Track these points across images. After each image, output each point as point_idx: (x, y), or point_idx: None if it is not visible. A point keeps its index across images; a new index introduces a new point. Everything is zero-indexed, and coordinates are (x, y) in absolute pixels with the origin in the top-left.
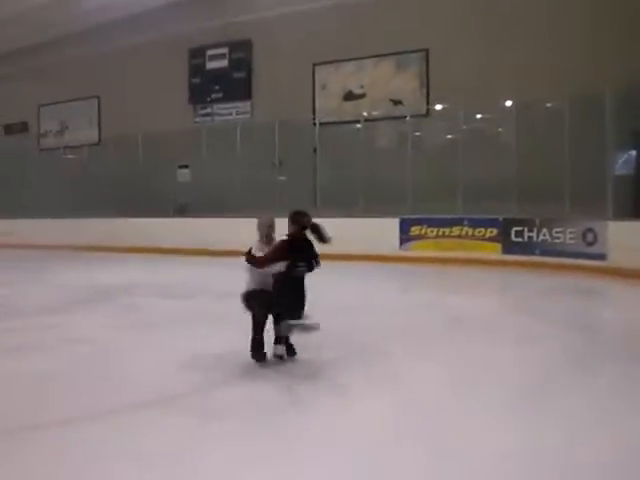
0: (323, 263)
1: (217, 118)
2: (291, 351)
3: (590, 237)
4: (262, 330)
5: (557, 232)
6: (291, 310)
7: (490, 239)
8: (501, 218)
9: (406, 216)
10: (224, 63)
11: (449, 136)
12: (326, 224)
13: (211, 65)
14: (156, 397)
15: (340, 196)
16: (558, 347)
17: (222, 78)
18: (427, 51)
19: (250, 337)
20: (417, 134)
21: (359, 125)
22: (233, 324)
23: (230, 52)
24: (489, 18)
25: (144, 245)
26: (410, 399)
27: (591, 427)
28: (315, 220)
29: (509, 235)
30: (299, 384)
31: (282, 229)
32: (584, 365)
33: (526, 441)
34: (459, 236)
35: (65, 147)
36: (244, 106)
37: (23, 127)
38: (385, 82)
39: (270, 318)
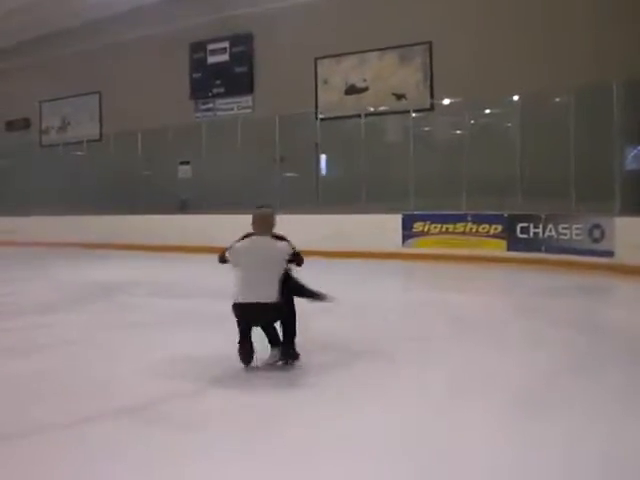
0: (324, 261)
1: (219, 113)
2: (292, 355)
3: (597, 233)
4: (245, 337)
5: (563, 228)
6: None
7: (495, 236)
8: (506, 214)
9: (409, 212)
10: (225, 57)
11: (453, 131)
12: (328, 221)
13: (212, 59)
14: (137, 403)
15: (342, 192)
16: (561, 349)
17: (223, 73)
18: (430, 44)
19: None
20: (420, 128)
21: (364, 120)
22: (228, 326)
23: (231, 46)
24: (493, 10)
25: (146, 242)
26: (406, 407)
27: (594, 439)
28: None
29: (514, 231)
30: (291, 390)
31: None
32: (588, 369)
33: (524, 454)
34: (463, 232)
35: (65, 143)
36: (246, 101)
37: (25, 123)
38: (388, 76)
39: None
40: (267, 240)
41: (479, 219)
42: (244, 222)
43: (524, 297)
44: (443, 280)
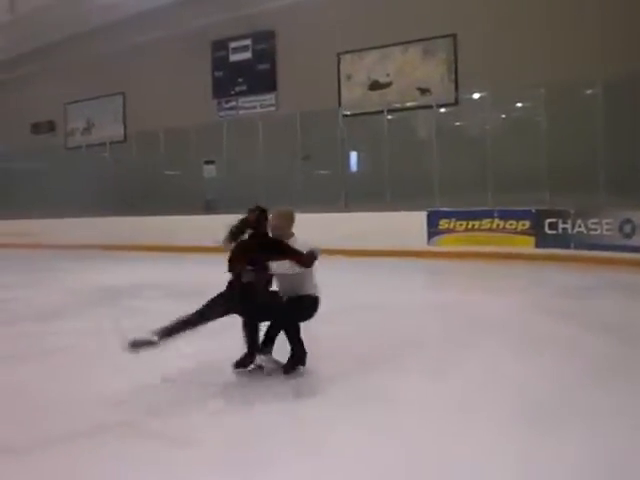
0: (348, 259)
1: (242, 112)
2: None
3: (628, 228)
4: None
5: (593, 224)
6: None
7: (522, 232)
8: (534, 209)
9: (434, 209)
10: (247, 55)
11: (478, 125)
12: (351, 219)
13: (234, 57)
14: (124, 418)
15: (366, 189)
16: (584, 356)
17: (246, 70)
18: (455, 37)
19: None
20: (445, 123)
21: (390, 116)
22: (235, 332)
23: (253, 43)
24: (519, 0)
25: (170, 243)
26: (409, 422)
27: (606, 462)
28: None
29: (542, 227)
30: (284, 403)
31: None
32: (611, 379)
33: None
34: (490, 229)
35: (89, 145)
36: (269, 98)
37: (50, 126)
38: (411, 70)
39: None
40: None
41: (506, 215)
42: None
43: (550, 297)
44: (467, 279)
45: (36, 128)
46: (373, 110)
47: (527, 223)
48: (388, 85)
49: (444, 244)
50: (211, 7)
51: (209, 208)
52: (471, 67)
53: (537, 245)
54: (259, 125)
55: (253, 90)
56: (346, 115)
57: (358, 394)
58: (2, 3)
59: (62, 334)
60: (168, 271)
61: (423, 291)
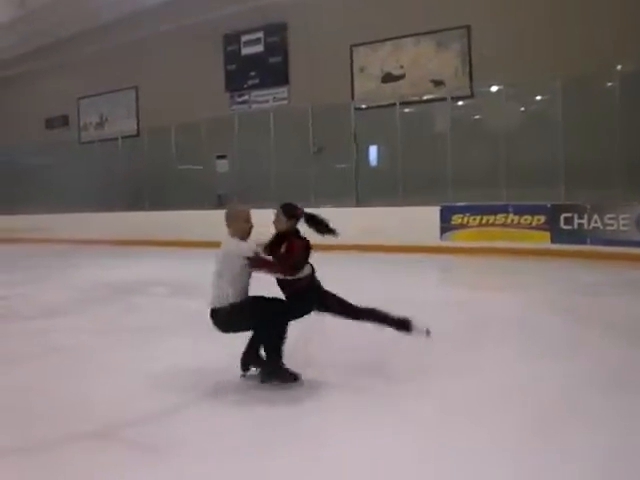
0: (359, 255)
1: (254, 105)
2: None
3: None
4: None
5: (610, 219)
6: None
7: (537, 227)
8: (549, 204)
9: (447, 204)
10: (259, 48)
11: (493, 118)
12: (364, 214)
13: (246, 51)
14: (113, 422)
15: (379, 184)
16: (594, 359)
17: (258, 64)
18: (469, 28)
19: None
20: (459, 116)
21: (401, 109)
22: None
23: (265, 36)
24: None
25: (181, 238)
26: (405, 428)
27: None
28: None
29: (558, 223)
30: (276, 410)
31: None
32: (622, 384)
33: None
34: (504, 224)
35: (101, 140)
36: (281, 92)
37: (64, 121)
38: (425, 62)
39: None
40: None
41: (521, 210)
42: None
43: (564, 295)
44: (480, 276)
45: (50, 123)
46: (386, 103)
47: (542, 218)
48: (401, 77)
49: (457, 240)
50: None
51: (221, 203)
52: (486, 59)
53: (553, 240)
54: (271, 119)
55: (265, 83)
56: (359, 108)
57: (357, 396)
58: None
59: (58, 332)
60: (176, 267)
61: (433, 288)
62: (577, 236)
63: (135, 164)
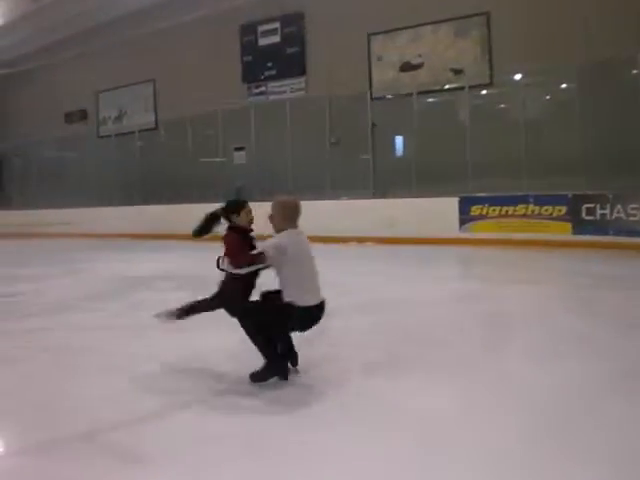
0: (375, 246)
1: (271, 97)
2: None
3: None
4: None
5: (633, 209)
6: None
7: (558, 218)
8: (570, 194)
9: (466, 194)
10: (276, 39)
11: (513, 106)
12: (381, 205)
13: (263, 41)
14: (94, 427)
15: (397, 174)
16: (608, 361)
17: (275, 54)
18: (488, 14)
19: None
20: (478, 105)
21: (419, 97)
22: (235, 331)
23: (282, 27)
24: None
25: None
26: (407, 431)
27: None
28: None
29: (579, 213)
30: (268, 417)
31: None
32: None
33: None
34: (524, 215)
35: (122, 133)
36: (298, 82)
37: (82, 115)
38: (444, 50)
39: None
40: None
41: (541, 200)
42: (303, 208)
43: (585, 288)
44: (499, 268)
45: (69, 117)
46: (404, 92)
47: (563, 209)
48: (420, 66)
49: (476, 231)
50: None
51: (239, 195)
52: (506, 46)
53: (574, 232)
54: (287, 109)
55: (282, 74)
56: (376, 98)
57: (357, 398)
58: None
59: (55, 330)
60: (188, 261)
61: (450, 281)
62: (599, 227)
63: (154, 157)
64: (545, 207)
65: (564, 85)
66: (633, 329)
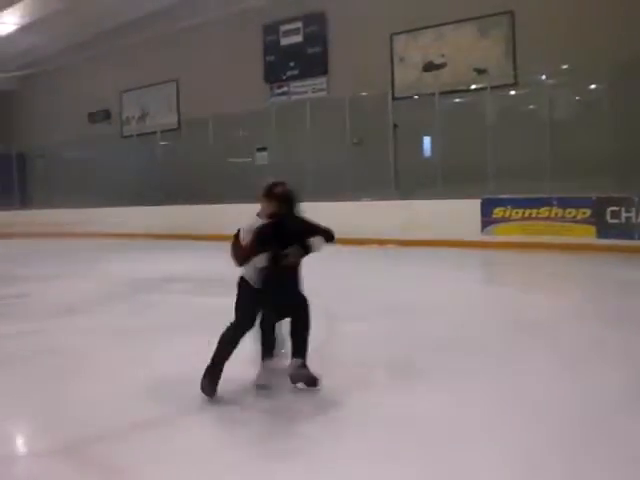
0: (397, 250)
1: (294, 97)
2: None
3: None
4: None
5: None
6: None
7: (582, 221)
8: (594, 197)
9: (489, 196)
10: (298, 38)
11: (537, 107)
12: (402, 207)
13: (285, 41)
14: (83, 436)
15: (419, 175)
16: (628, 373)
17: (297, 54)
18: (512, 13)
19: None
20: (502, 105)
21: (442, 98)
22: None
23: (304, 26)
24: None
25: (220, 232)
26: (413, 445)
27: None
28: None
29: (604, 216)
30: (275, 428)
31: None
32: None
33: None
34: (547, 218)
35: (145, 133)
36: (320, 83)
37: (106, 115)
38: (467, 50)
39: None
40: None
41: (565, 203)
42: (323, 210)
43: (608, 296)
44: (520, 272)
45: (92, 117)
46: (427, 92)
47: (587, 211)
48: (443, 66)
49: (499, 233)
50: None
51: None
52: (530, 46)
53: (598, 235)
54: (307, 110)
55: (304, 74)
56: (398, 98)
57: (363, 410)
58: None
59: (57, 333)
60: (204, 262)
61: (470, 285)
62: (624, 230)
63: (176, 157)
64: (569, 210)
65: (589, 85)
66: None
